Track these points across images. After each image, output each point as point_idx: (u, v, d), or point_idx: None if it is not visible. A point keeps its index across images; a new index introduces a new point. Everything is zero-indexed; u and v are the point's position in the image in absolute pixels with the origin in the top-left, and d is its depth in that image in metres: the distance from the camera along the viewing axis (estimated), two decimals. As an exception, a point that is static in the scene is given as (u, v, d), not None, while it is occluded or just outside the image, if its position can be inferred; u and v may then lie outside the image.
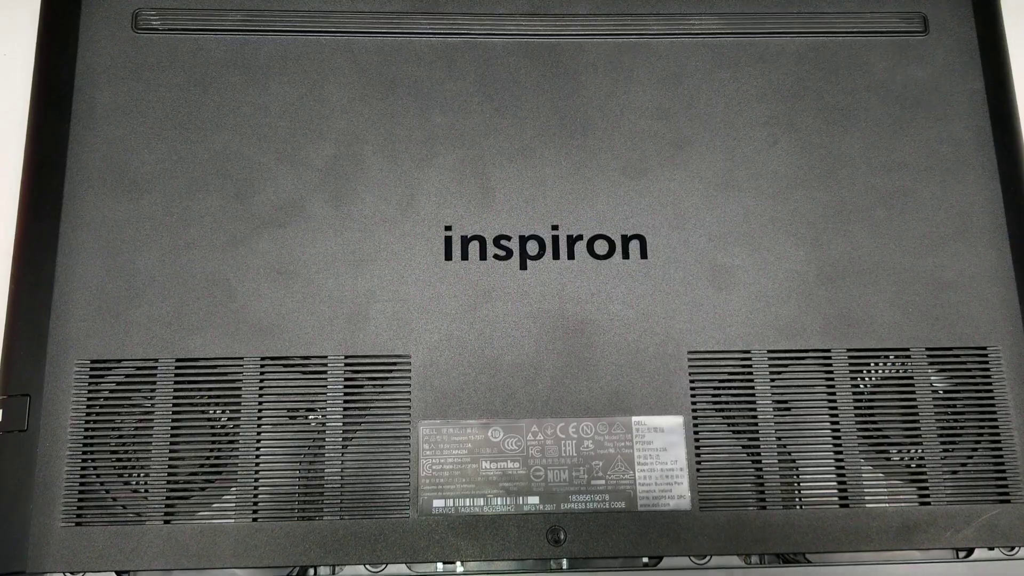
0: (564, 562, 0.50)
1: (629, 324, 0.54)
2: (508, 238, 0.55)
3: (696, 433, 0.52)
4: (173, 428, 0.51)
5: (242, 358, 0.52)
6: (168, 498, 0.50)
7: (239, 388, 0.51)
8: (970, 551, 0.42)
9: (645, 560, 0.51)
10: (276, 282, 0.53)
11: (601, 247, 0.55)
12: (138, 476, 0.50)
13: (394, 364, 0.52)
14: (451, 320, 0.53)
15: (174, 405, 0.51)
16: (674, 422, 0.52)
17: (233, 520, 0.49)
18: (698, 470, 0.52)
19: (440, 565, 0.50)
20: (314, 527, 0.50)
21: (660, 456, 0.52)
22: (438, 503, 0.51)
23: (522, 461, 0.51)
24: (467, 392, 0.52)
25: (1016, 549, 0.43)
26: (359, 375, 0.52)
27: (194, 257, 0.54)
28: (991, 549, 0.42)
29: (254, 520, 0.50)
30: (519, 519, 0.50)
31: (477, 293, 0.54)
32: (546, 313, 0.53)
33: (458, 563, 0.52)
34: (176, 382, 0.51)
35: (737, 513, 0.51)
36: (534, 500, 0.51)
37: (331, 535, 0.49)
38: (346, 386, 0.52)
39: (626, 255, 0.55)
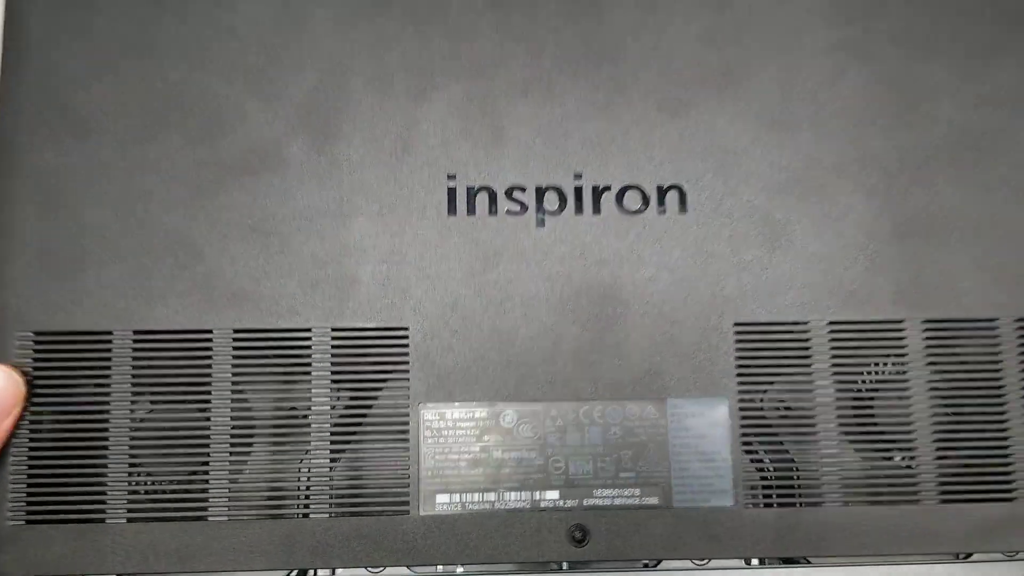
0: (564, 563, 0.52)
1: (665, 291, 0.53)
2: (522, 189, 0.54)
3: (743, 418, 0.52)
4: (133, 411, 0.51)
5: (211, 331, 0.52)
6: (131, 492, 0.50)
7: (208, 366, 0.51)
8: (969, 553, 0.45)
9: (646, 562, 0.52)
10: (249, 241, 0.53)
11: (633, 200, 0.54)
12: (94, 466, 0.50)
13: (390, 338, 0.52)
14: (456, 286, 0.53)
15: (133, 385, 0.51)
16: (717, 406, 0.52)
17: (209, 519, 0.50)
18: (744, 461, 0.51)
19: (440, 567, 0.52)
20: (301, 526, 0.50)
21: (700, 445, 0.51)
22: (443, 498, 0.51)
23: (539, 450, 0.51)
24: (475, 370, 0.52)
25: (1017, 552, 0.46)
26: (349, 351, 0.52)
27: (152, 211, 0.53)
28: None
29: (230, 519, 0.50)
30: (536, 516, 0.51)
31: (486, 254, 0.53)
32: (567, 278, 0.53)
33: (458, 566, 0.53)
34: (135, 359, 0.51)
35: (788, 511, 0.51)
36: (553, 495, 0.51)
37: (321, 535, 0.50)
38: (334, 364, 0.52)
39: (662, 209, 0.54)
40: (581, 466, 0.51)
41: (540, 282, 0.53)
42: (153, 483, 0.50)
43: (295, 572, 0.52)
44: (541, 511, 0.51)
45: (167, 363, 0.51)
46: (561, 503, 0.51)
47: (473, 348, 0.52)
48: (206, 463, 0.50)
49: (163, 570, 0.49)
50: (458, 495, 0.51)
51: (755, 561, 0.51)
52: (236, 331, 0.52)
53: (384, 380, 0.52)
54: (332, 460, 0.51)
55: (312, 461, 0.50)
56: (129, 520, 0.50)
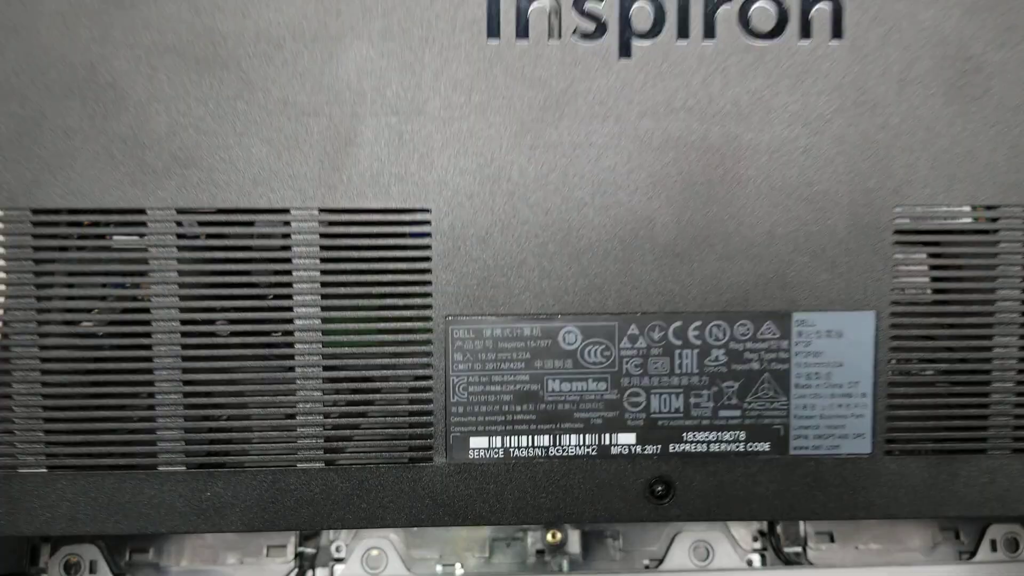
0: (564, 563, 0.45)
1: (802, 160, 0.37)
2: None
3: (895, 339, 0.38)
4: (41, 321, 0.36)
5: (144, 211, 0.36)
6: (49, 433, 0.37)
7: (144, 262, 0.36)
8: (972, 553, 0.42)
9: (646, 562, 0.45)
10: (195, 75, 0.36)
11: (763, 18, 0.37)
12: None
13: (403, 224, 0.37)
14: (498, 149, 0.37)
15: (38, 288, 0.36)
16: (862, 322, 0.38)
17: (160, 468, 0.37)
18: (891, 396, 0.38)
19: (439, 567, 0.44)
20: (285, 478, 0.37)
21: (833, 374, 0.38)
22: (478, 443, 0.38)
23: (611, 380, 0.38)
24: (524, 271, 0.37)
25: (1020, 551, 0.43)
26: (343, 242, 0.37)
27: (48, 32, 0.36)
28: (994, 551, 0.42)
29: (189, 468, 0.37)
30: (604, 467, 0.38)
31: (543, 101, 0.36)
32: (661, 138, 0.37)
33: (457, 564, 0.44)
34: (36, 248, 0.36)
35: (943, 460, 0.38)
36: (628, 439, 0.38)
37: (312, 489, 0.37)
38: (323, 261, 0.37)
39: (806, 32, 0.37)
40: (668, 401, 0.38)
41: (620, 144, 0.37)
42: (76, 422, 0.37)
43: (295, 572, 0.42)
44: (611, 460, 0.38)
45: (85, 257, 0.37)
46: (639, 449, 0.38)
47: (522, 240, 0.37)
48: (151, 396, 0.37)
49: (98, 530, 0.38)
50: (499, 439, 0.38)
51: (756, 562, 0.44)
52: (180, 211, 0.36)
53: (396, 285, 0.37)
54: (325, 394, 0.38)
55: (299, 394, 0.37)
56: (50, 468, 0.37)
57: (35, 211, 0.36)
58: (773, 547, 0.45)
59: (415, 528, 0.44)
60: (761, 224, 0.37)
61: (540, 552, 0.45)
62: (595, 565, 0.44)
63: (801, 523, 0.44)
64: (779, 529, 0.44)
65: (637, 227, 0.37)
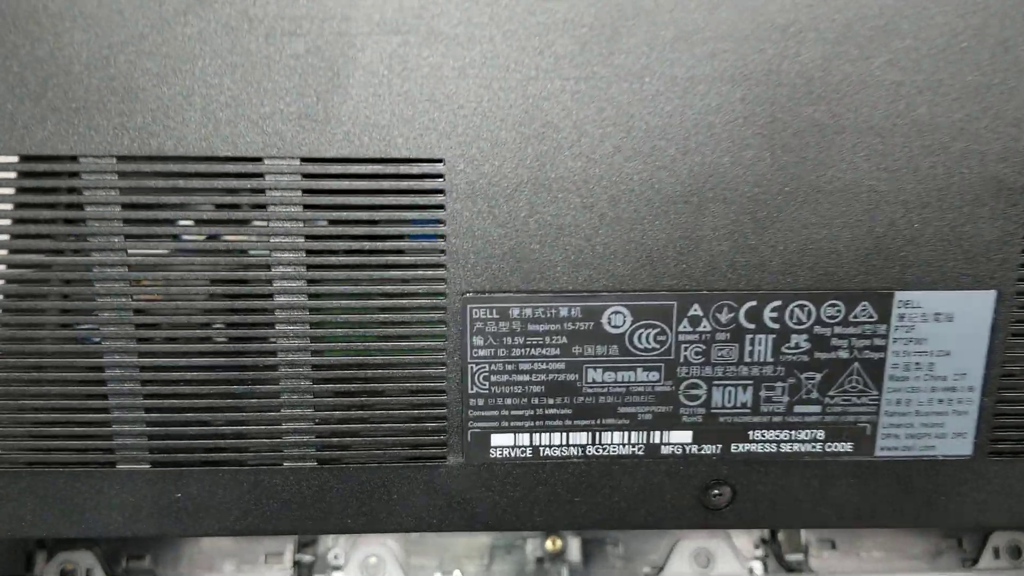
0: (564, 571, 0.41)
1: (927, 96, 0.29)
2: None
3: (1019, 323, 0.31)
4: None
5: (75, 158, 0.29)
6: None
7: (83, 221, 0.28)
8: (975, 560, 0.41)
9: (647, 570, 0.42)
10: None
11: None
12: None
13: (408, 177, 0.29)
14: (532, 81, 0.28)
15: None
16: (980, 303, 0.31)
17: (118, 465, 0.31)
18: (1003, 389, 0.32)
19: (438, 575, 0.41)
20: (271, 480, 0.32)
21: (937, 365, 0.31)
22: (501, 441, 0.32)
23: (665, 369, 0.31)
24: (562, 237, 0.29)
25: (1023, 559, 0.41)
26: (332, 201, 0.29)
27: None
28: (997, 558, 0.40)
29: (154, 466, 0.31)
30: (652, 469, 0.32)
31: (593, 17, 0.28)
32: (741, 64, 0.28)
33: (457, 572, 0.40)
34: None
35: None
36: (683, 437, 0.32)
37: (304, 490, 0.31)
38: (307, 224, 0.29)
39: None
40: (733, 395, 0.32)
41: (689, 76, 0.28)
42: (15, 412, 0.31)
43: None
44: (661, 461, 0.32)
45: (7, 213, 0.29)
46: (695, 449, 0.32)
47: (559, 199, 0.29)
48: (102, 384, 0.30)
49: (46, 533, 0.32)
50: (526, 436, 0.32)
51: (758, 570, 0.41)
52: (121, 159, 0.29)
53: (400, 254, 0.30)
54: (315, 383, 0.31)
55: (282, 383, 0.30)
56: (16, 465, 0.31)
57: (-63, 158, 0.28)
58: (775, 554, 0.41)
59: (415, 535, 0.40)
60: (863, 181, 0.29)
61: (540, 560, 0.41)
62: (595, 572, 0.41)
63: (803, 530, 0.41)
64: (780, 536, 0.41)
65: (704, 185, 0.29)
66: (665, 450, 0.32)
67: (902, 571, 0.41)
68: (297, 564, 0.38)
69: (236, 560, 0.39)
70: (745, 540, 0.42)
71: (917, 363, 0.31)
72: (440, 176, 0.29)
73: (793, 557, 0.41)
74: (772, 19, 0.28)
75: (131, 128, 0.28)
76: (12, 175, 0.28)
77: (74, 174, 0.28)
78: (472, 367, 0.31)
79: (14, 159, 0.28)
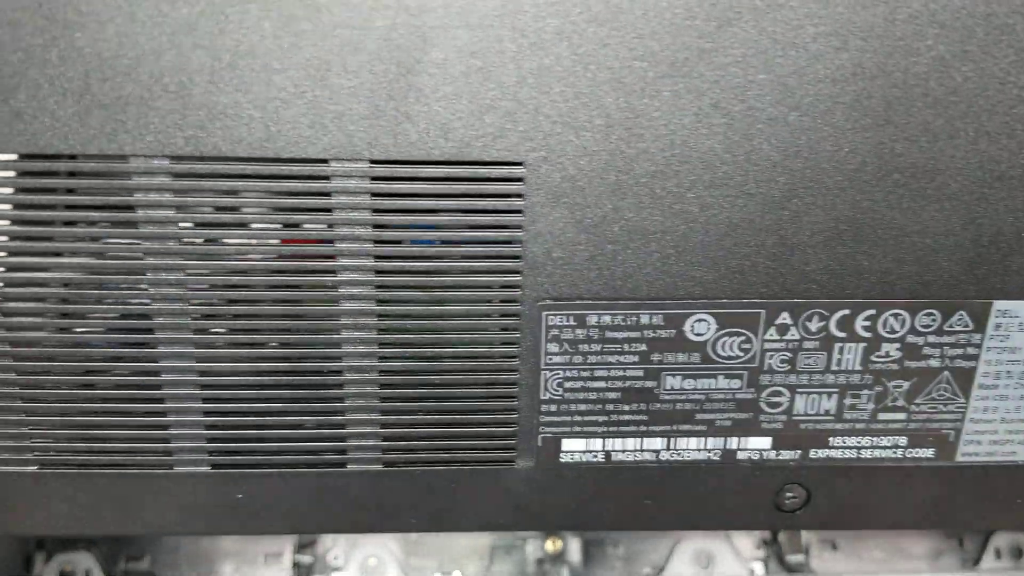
0: (565, 572, 0.41)
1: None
2: None
3: (1121, 335, 0.30)
4: (11, 299, 0.28)
5: (126, 157, 0.26)
6: (37, 432, 0.29)
7: (134, 224, 0.27)
8: (977, 561, 0.41)
9: (647, 570, 0.41)
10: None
11: None
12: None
13: (486, 180, 0.27)
14: (622, 78, 0.25)
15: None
16: (1083, 314, 0.29)
17: (176, 469, 0.30)
18: (1097, 398, 0.30)
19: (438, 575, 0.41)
20: (333, 482, 0.31)
21: (1030, 374, 0.30)
22: (572, 446, 0.31)
23: (748, 377, 0.30)
24: (646, 243, 0.27)
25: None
26: (404, 205, 0.27)
27: None
28: (998, 559, 0.41)
29: (213, 468, 0.30)
30: (727, 473, 0.31)
31: (689, 16, 0.25)
32: (849, 64, 0.25)
33: (456, 572, 0.40)
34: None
35: None
36: (761, 443, 0.31)
37: (369, 494, 0.31)
38: (376, 228, 0.27)
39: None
40: (816, 402, 0.30)
41: (788, 72, 0.26)
42: (71, 415, 0.29)
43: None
44: (737, 466, 0.31)
45: (57, 212, 0.27)
46: (772, 455, 0.31)
47: (646, 204, 0.27)
48: (159, 388, 0.29)
49: (101, 531, 0.32)
50: (599, 441, 0.31)
51: (759, 571, 0.41)
52: (175, 159, 0.27)
53: (475, 260, 0.28)
54: (383, 388, 0.30)
55: (349, 389, 0.29)
56: (42, 468, 0.30)
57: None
58: (776, 555, 0.41)
59: (414, 535, 0.39)
60: (974, 189, 0.27)
61: (540, 561, 0.40)
62: (595, 573, 0.41)
63: (804, 531, 0.41)
64: (781, 537, 0.41)
65: (804, 190, 0.27)
66: (742, 455, 0.31)
67: (903, 572, 0.42)
68: (296, 565, 0.38)
69: (235, 560, 0.38)
70: (746, 541, 0.42)
71: (1008, 371, 0.30)
72: (519, 180, 0.27)
73: (794, 558, 0.41)
74: (891, 14, 0.25)
75: (185, 127, 0.26)
76: (61, 177, 0.26)
77: (125, 174, 0.26)
78: (546, 373, 0.29)
79: (62, 159, 0.26)
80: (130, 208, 0.27)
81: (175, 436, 0.29)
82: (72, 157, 0.26)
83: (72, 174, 0.26)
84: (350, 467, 0.30)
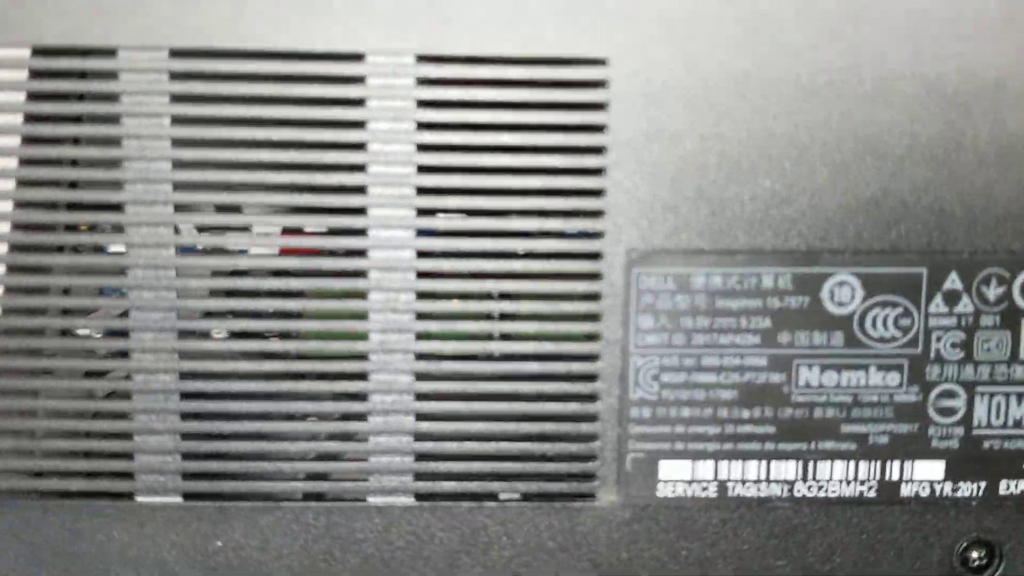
0: None
1: None
2: None
3: None
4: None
5: (114, 51, 0.22)
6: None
7: (117, 140, 0.21)
8: None
9: None
10: None
11: None
12: None
13: (560, 89, 0.21)
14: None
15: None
16: None
17: (137, 497, 0.23)
18: None
19: None
20: (352, 521, 0.23)
21: None
22: (673, 471, 0.23)
23: (910, 368, 0.22)
24: (767, 176, 0.21)
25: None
26: (454, 119, 0.21)
27: None
28: None
29: (187, 499, 0.23)
30: (886, 517, 0.23)
31: None
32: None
33: None
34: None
35: None
36: (931, 470, 0.22)
37: (397, 538, 0.23)
38: (420, 151, 0.21)
39: None
40: (1003, 408, 0.22)
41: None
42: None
43: None
44: (899, 506, 0.23)
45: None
46: (947, 489, 0.23)
47: (769, 128, 0.21)
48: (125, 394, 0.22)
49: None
50: (710, 464, 0.23)
51: None
52: (175, 53, 0.22)
53: (541, 196, 0.21)
54: (418, 378, 0.23)
55: (373, 378, 0.22)
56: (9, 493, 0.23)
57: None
58: None
59: None
60: None
61: None
62: None
63: None
64: None
65: (971, 102, 0.22)
66: (906, 490, 0.23)
67: None
68: None
69: None
70: None
71: None
72: (602, 83, 0.21)
73: None
74: None
75: (192, 26, 0.21)
76: (23, 75, 0.22)
77: (110, 74, 0.21)
78: (636, 361, 0.22)
79: (24, 53, 0.21)
80: (112, 120, 0.21)
81: (141, 447, 0.22)
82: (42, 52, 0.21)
83: (39, 74, 0.22)
84: (370, 500, 0.23)
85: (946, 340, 0.22)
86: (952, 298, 0.22)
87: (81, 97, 0.22)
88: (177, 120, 0.21)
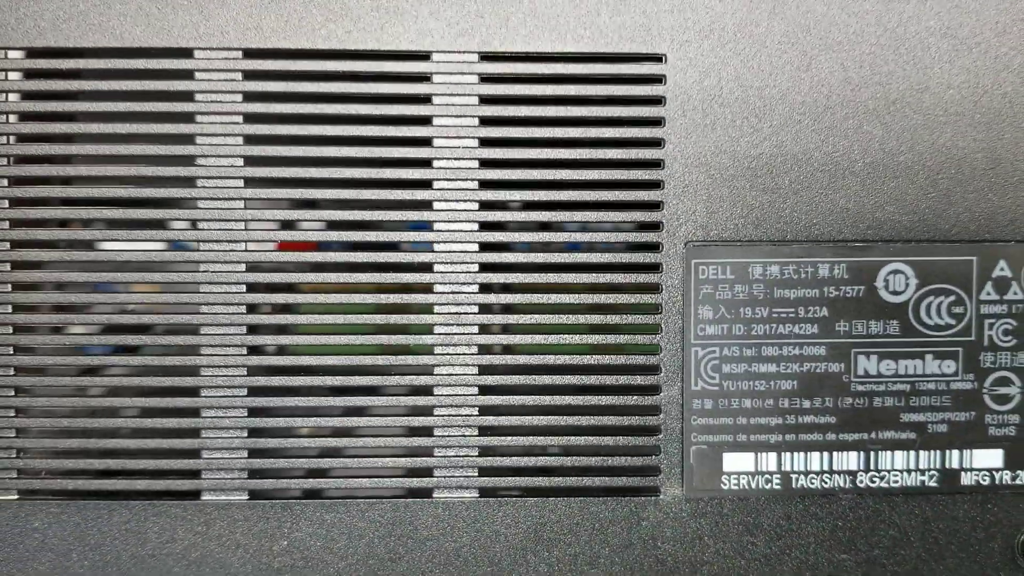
0: None
1: None
2: None
3: None
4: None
5: (191, 51, 0.23)
6: (21, 452, 0.23)
7: (191, 138, 0.22)
8: None
9: None
10: None
11: None
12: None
13: (619, 84, 0.22)
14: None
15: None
16: None
17: (205, 495, 0.23)
18: None
19: None
20: (417, 516, 0.23)
21: None
22: (736, 463, 0.23)
23: (965, 356, 0.23)
24: (823, 169, 0.22)
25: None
26: (514, 115, 0.22)
27: None
28: None
29: (253, 498, 0.23)
30: (946, 508, 0.23)
31: None
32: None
33: None
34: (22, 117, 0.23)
35: None
36: (989, 458, 0.23)
37: (462, 532, 0.23)
38: (483, 145, 0.22)
39: None
40: (1061, 396, 0.24)
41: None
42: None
43: None
44: (960, 497, 0.23)
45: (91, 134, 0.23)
46: (1007, 478, 0.24)
47: (828, 121, 0.22)
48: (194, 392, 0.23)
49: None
50: (773, 456, 0.23)
51: None
52: (248, 53, 0.23)
53: (600, 189, 0.22)
54: (481, 372, 0.23)
55: (437, 372, 0.22)
56: (21, 495, 0.23)
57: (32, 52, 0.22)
58: None
59: None
60: None
61: None
62: None
63: None
64: None
65: (1016, 93, 0.23)
66: (966, 479, 0.23)
67: None
68: None
69: None
70: None
71: None
72: (660, 79, 0.22)
73: None
74: None
75: (265, 29, 0.22)
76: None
77: (186, 73, 0.22)
78: (697, 352, 0.23)
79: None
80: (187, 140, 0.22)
81: (206, 445, 0.22)
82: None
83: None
84: (436, 496, 0.23)
85: (998, 327, 0.23)
86: (1002, 285, 0.23)
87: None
88: (249, 118, 0.22)
